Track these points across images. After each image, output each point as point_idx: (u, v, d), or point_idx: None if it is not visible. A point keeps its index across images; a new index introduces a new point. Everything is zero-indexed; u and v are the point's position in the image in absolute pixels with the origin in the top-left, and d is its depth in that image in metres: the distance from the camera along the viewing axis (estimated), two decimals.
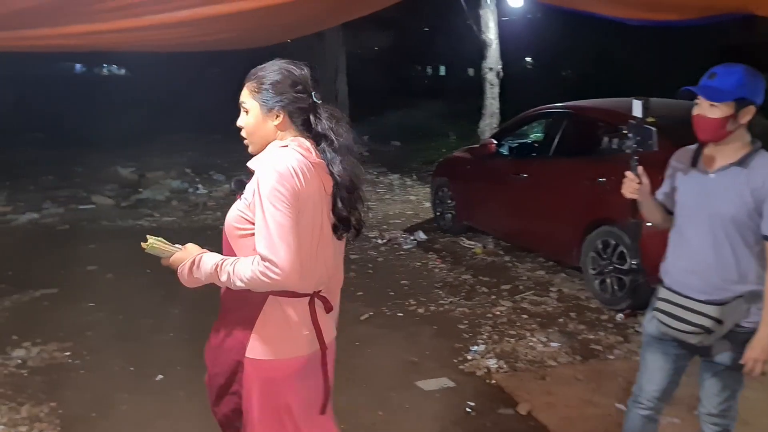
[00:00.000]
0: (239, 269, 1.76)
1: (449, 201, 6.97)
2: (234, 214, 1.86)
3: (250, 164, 1.87)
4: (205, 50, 5.98)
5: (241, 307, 1.87)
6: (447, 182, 7.03)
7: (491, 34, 8.88)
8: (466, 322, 4.62)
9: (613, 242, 4.78)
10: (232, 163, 11.48)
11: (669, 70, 14.11)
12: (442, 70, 30.06)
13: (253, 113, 1.89)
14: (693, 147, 2.38)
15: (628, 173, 2.38)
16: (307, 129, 1.92)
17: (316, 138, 1.92)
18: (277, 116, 1.87)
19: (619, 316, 4.65)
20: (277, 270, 1.69)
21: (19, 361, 3.96)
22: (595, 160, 5.09)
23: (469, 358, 4.04)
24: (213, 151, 12.15)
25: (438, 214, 7.19)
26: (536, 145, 6.40)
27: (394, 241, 6.75)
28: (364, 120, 14.75)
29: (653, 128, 2.41)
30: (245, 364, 1.87)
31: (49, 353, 4.09)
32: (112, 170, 9.94)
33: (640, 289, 4.53)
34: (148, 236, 1.94)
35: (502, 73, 9.09)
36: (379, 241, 6.78)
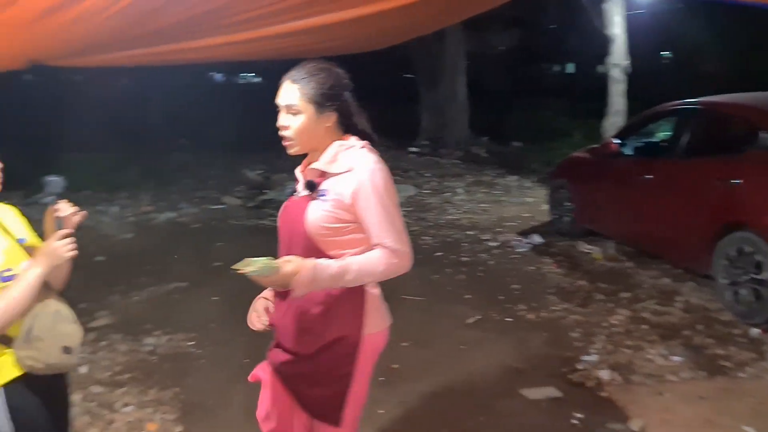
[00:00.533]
0: (366, 266, 1.88)
1: (567, 203, 6.71)
2: (320, 214, 1.90)
3: (321, 166, 1.92)
4: (322, 56, 6.20)
5: (351, 297, 1.95)
6: (565, 184, 6.77)
7: (617, 28, 8.42)
8: (579, 330, 4.42)
9: (748, 249, 4.37)
10: None
11: None
12: (570, 68, 29.05)
13: (305, 114, 1.90)
14: None
15: None
16: (348, 129, 1.99)
17: (362, 137, 1.99)
18: (329, 117, 1.93)
19: (755, 332, 4.23)
20: (407, 258, 1.91)
21: (150, 348, 4.32)
22: (729, 160, 4.71)
23: (580, 368, 3.86)
24: None
25: (555, 216, 6.94)
26: (663, 144, 5.98)
27: (508, 244, 6.61)
28: (484, 121, 14.59)
29: None
30: (363, 342, 1.99)
31: (177, 342, 4.42)
32: (241, 173, 10.58)
33: None
34: (248, 259, 1.79)
35: (629, 69, 8.59)
36: (492, 243, 6.67)
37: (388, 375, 3.87)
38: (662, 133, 6.26)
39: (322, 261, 1.86)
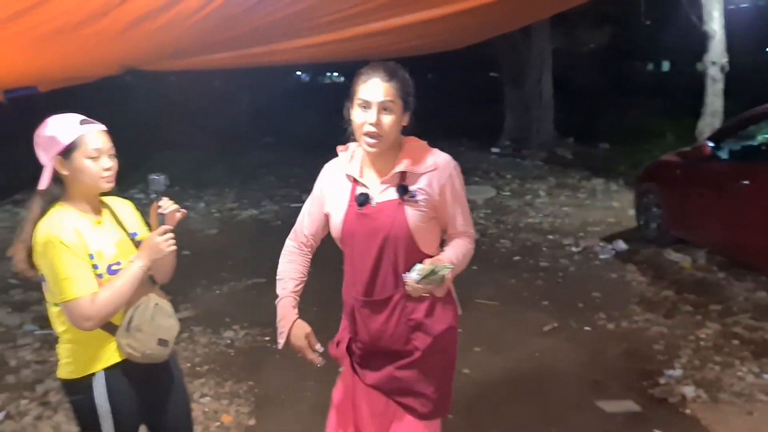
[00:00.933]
0: (465, 255, 2.06)
1: (655, 209, 6.39)
2: (419, 215, 1.95)
3: (408, 167, 1.96)
4: (400, 56, 6.22)
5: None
6: (654, 188, 6.45)
7: (715, 24, 7.95)
8: (663, 342, 4.20)
9: None
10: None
11: None
12: (665, 66, 27.72)
13: (396, 113, 1.92)
14: None
15: None
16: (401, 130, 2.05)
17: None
18: (407, 117, 1.98)
19: None
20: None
21: (229, 341, 4.48)
22: None
23: (662, 382, 3.67)
24: None
25: (642, 222, 6.63)
26: (763, 147, 5.59)
27: (590, 249, 6.37)
28: (571, 121, 14.14)
29: None
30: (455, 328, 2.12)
31: (253, 336, 4.56)
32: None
33: None
34: (419, 266, 1.88)
35: (727, 68, 8.09)
36: (574, 249, 6.46)
37: (458, 380, 3.79)
38: (763, 136, 5.84)
39: (445, 257, 1.97)
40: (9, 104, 3.20)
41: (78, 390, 1.98)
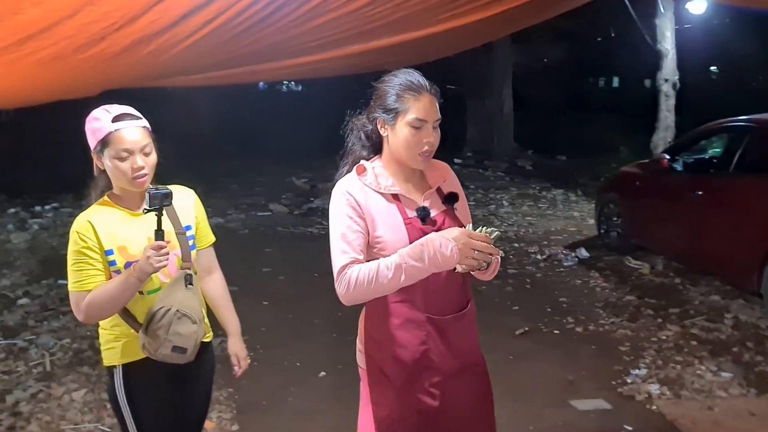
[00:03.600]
0: None
1: (615, 218, 6.68)
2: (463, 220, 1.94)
3: (441, 182, 1.97)
4: (374, 71, 6.37)
5: None
6: (614, 198, 6.75)
7: (667, 43, 8.37)
8: (628, 344, 4.42)
9: None
10: None
11: None
12: (616, 82, 28.70)
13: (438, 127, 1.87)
14: None
15: None
16: None
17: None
18: None
19: None
20: None
21: None
22: None
23: (629, 381, 3.87)
24: None
25: (603, 231, 6.92)
26: (714, 161, 5.94)
27: (555, 257, 6.61)
28: (530, 134, 14.54)
29: None
30: None
31: None
32: (288, 180, 10.80)
33: None
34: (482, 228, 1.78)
35: (678, 85, 8.51)
36: (539, 256, 6.68)
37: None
38: (714, 150, 6.21)
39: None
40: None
41: (108, 379, 2.03)
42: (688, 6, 8.21)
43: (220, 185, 11.10)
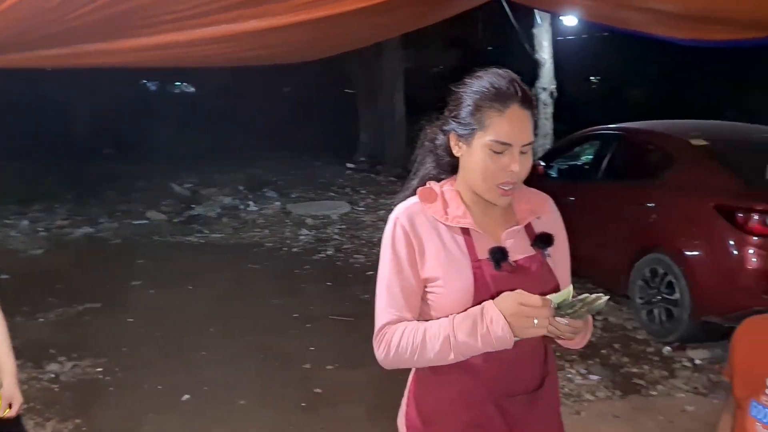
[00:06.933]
0: None
1: None
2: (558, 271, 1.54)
3: (533, 211, 1.54)
4: (259, 64, 6.08)
5: None
6: None
7: (545, 53, 8.67)
8: None
9: (661, 271, 4.50)
10: (289, 180, 11.65)
11: (740, 92, 13.43)
12: None
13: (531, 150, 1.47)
14: None
15: None
16: None
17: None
18: None
19: (667, 349, 4.37)
20: None
21: (52, 376, 4.04)
22: (645, 185, 4.87)
23: None
24: (271, 169, 12.36)
25: None
26: (586, 167, 6.15)
27: None
28: None
29: None
30: None
31: (82, 369, 4.16)
32: (168, 186, 10.23)
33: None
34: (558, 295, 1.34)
35: (556, 93, 8.84)
36: None
37: (310, 400, 3.77)
38: (586, 157, 6.43)
39: None
40: None
41: None
42: (563, 19, 8.52)
43: (95, 191, 10.34)
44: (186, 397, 3.83)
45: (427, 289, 1.47)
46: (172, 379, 4.05)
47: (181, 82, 33.20)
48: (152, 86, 31.11)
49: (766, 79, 12.59)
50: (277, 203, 9.60)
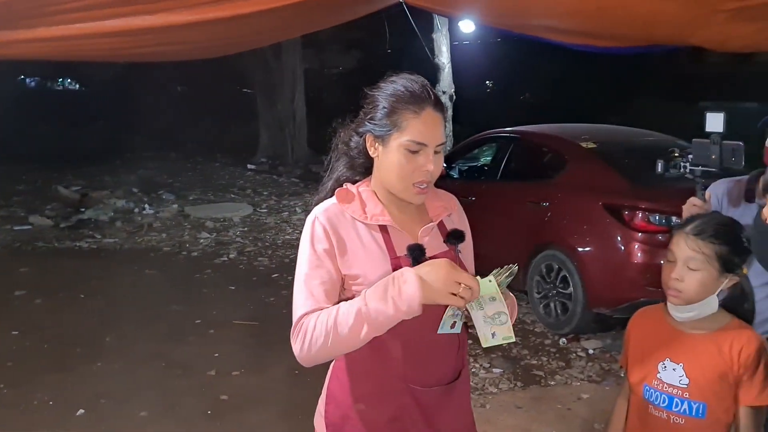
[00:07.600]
0: None
1: None
2: (469, 266, 1.63)
3: (444, 208, 1.61)
4: (150, 60, 5.83)
5: None
6: None
7: (444, 58, 8.93)
8: None
9: (556, 266, 4.75)
10: (184, 182, 11.26)
11: (625, 97, 14.43)
12: None
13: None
14: (743, 178, 2.16)
15: (693, 199, 2.09)
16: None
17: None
18: None
19: (563, 341, 4.61)
20: None
21: None
22: (539, 185, 5.11)
23: None
24: (166, 170, 11.89)
25: None
26: (485, 168, 6.38)
27: None
28: (324, 140, 14.60)
29: (741, 143, 2.05)
30: None
31: None
32: (53, 189, 9.59)
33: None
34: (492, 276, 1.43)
35: (455, 97, 9.12)
36: None
37: (216, 408, 3.67)
38: (485, 158, 6.68)
39: None
40: None
41: None
42: (460, 24, 8.80)
43: None
44: (80, 411, 3.61)
45: (348, 286, 1.48)
46: (64, 393, 3.81)
47: (65, 79, 31.19)
48: (32, 83, 29.06)
49: (649, 86, 13.64)
50: (175, 206, 9.27)
